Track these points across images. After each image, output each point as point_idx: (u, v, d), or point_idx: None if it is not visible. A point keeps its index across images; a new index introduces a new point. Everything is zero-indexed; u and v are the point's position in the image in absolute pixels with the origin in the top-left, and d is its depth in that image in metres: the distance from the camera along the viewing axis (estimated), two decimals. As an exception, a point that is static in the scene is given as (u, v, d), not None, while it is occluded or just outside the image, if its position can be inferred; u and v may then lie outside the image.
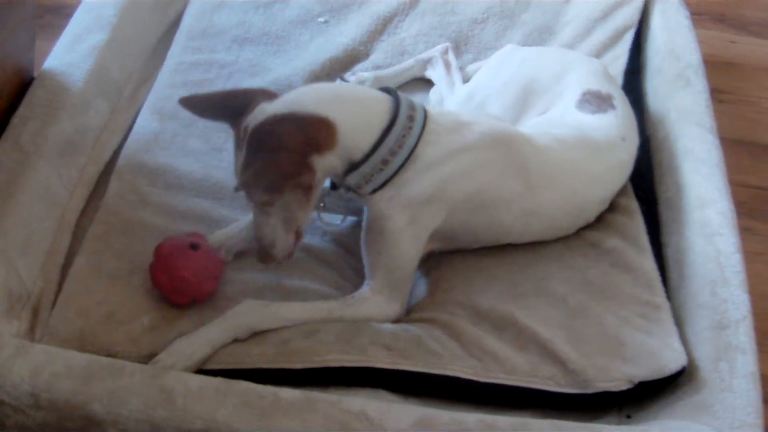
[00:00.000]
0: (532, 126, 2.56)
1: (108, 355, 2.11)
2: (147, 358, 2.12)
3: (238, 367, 2.14)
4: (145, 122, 2.78)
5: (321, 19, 3.24)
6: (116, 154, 2.71)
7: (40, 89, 2.60)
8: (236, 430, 1.94)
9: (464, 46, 3.19)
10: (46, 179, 2.43)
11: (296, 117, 2.13)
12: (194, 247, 2.23)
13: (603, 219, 2.59)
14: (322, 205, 2.40)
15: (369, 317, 2.28)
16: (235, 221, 2.47)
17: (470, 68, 3.08)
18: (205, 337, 2.15)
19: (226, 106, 2.23)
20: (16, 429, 2.00)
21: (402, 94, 2.29)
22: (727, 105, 2.97)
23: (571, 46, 3.15)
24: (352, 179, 2.24)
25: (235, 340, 2.17)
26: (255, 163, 2.10)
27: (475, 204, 2.34)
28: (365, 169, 2.22)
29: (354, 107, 2.24)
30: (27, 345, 2.06)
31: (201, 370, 2.11)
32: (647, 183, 2.75)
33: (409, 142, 2.22)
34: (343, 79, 3.02)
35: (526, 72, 2.76)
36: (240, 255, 2.42)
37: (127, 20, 2.95)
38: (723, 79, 3.15)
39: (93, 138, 2.66)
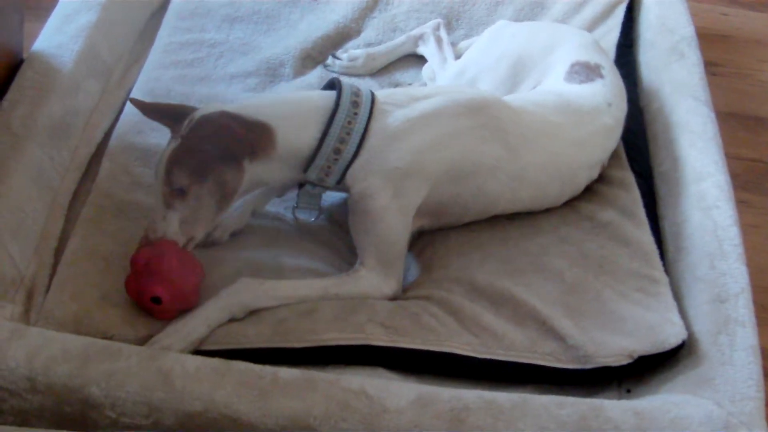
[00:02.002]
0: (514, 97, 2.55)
1: (104, 338, 2.09)
2: (143, 341, 2.10)
3: (234, 347, 2.12)
4: (136, 103, 2.75)
5: None
6: (107, 135, 2.68)
7: (29, 71, 2.58)
8: (236, 410, 1.93)
9: (456, 22, 3.18)
10: (38, 162, 2.41)
11: (241, 117, 2.19)
12: (156, 300, 2.13)
13: (598, 192, 2.58)
14: (294, 205, 2.40)
15: (365, 294, 2.27)
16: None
17: (462, 45, 3.07)
18: (201, 317, 2.13)
19: (172, 113, 2.26)
20: (13, 413, 1.98)
21: (347, 83, 2.30)
22: (720, 78, 2.96)
23: (562, 20, 3.14)
24: (312, 174, 2.26)
25: (232, 320, 2.16)
26: (191, 144, 2.15)
27: (458, 174, 2.33)
28: (319, 161, 2.23)
29: (291, 108, 2.27)
30: (22, 328, 2.04)
31: (198, 351, 2.09)
32: (642, 156, 2.75)
33: (358, 126, 2.23)
34: (335, 57, 3.01)
35: (516, 47, 2.76)
36: (235, 234, 2.43)
37: (116, 1, 2.94)
38: (716, 51, 3.14)
39: (84, 120, 2.65)
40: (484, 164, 2.35)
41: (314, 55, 3.04)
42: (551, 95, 2.55)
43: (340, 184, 2.29)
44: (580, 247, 2.43)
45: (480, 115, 2.34)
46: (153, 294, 2.13)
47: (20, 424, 1.98)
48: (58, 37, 2.73)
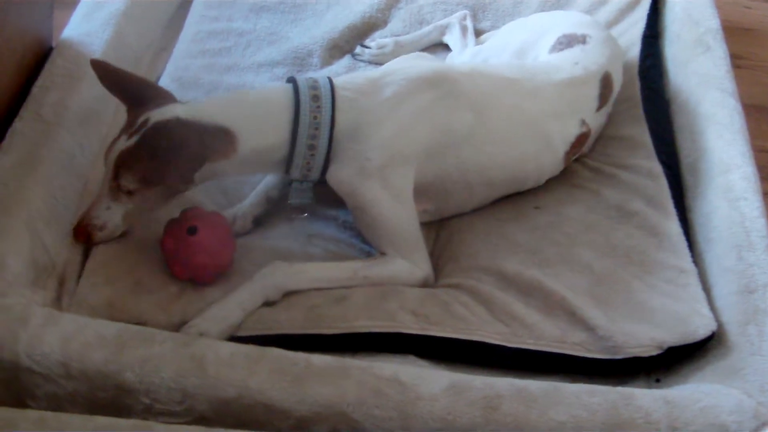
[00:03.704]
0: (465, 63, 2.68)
1: (137, 323, 2.10)
2: (176, 327, 2.12)
3: (266, 332, 2.14)
4: (164, 91, 2.76)
5: None
6: (137, 123, 2.69)
7: (59, 59, 2.59)
8: (269, 396, 1.93)
9: (482, 14, 3.20)
10: (69, 149, 2.42)
11: (199, 125, 2.15)
12: (192, 230, 2.20)
13: (626, 181, 2.59)
14: (289, 201, 2.40)
15: (396, 277, 2.29)
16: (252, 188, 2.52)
17: (484, 36, 3.10)
18: (236, 301, 2.15)
19: (131, 89, 2.23)
20: (47, 399, 1.99)
21: (302, 78, 2.29)
22: (744, 71, 2.97)
23: (588, 12, 3.13)
24: (295, 172, 2.27)
25: (265, 305, 2.18)
26: (144, 153, 2.12)
27: (436, 150, 2.34)
28: (297, 160, 2.24)
29: (252, 110, 2.24)
30: (56, 314, 2.05)
31: (231, 338, 2.11)
32: (669, 147, 2.75)
33: (324, 120, 2.22)
34: (364, 46, 3.03)
35: (521, 34, 2.84)
36: (258, 221, 2.46)
37: (144, -11, 2.95)
38: (739, 44, 3.15)
39: (113, 107, 2.63)
40: (457, 132, 2.36)
41: (341, 45, 3.06)
42: (507, 62, 2.69)
43: (323, 176, 2.30)
44: (608, 236, 2.43)
45: (439, 85, 2.35)
46: (190, 224, 2.19)
47: (54, 410, 1.98)
48: (87, 25, 2.74)
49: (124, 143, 2.14)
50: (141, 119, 2.14)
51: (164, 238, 2.23)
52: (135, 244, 2.29)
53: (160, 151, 2.11)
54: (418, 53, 2.82)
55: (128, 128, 2.16)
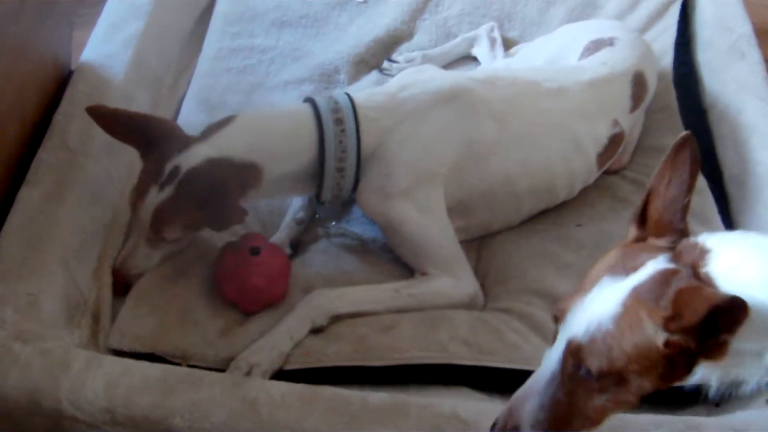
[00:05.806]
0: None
1: (182, 356, 2.08)
2: (224, 362, 2.07)
3: (315, 365, 2.09)
4: (190, 113, 2.73)
5: (359, 0, 3.18)
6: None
7: (80, 84, 2.53)
8: (327, 439, 1.89)
9: (508, 24, 3.15)
10: (96, 179, 2.36)
11: (230, 163, 2.13)
12: (254, 251, 2.17)
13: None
14: (316, 215, 2.47)
15: (441, 293, 2.26)
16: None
17: (514, 50, 3.05)
18: (283, 329, 2.11)
19: (136, 130, 2.17)
20: (91, 446, 1.94)
21: (321, 99, 2.26)
22: (775, 75, 2.90)
23: (616, 19, 3.08)
24: (326, 195, 2.26)
25: (312, 333, 2.13)
26: (184, 203, 2.10)
27: (463, 164, 2.31)
28: (327, 182, 2.22)
29: (277, 142, 2.22)
30: (98, 357, 2.00)
31: (279, 372, 2.06)
32: (710, 158, 2.70)
33: (350, 142, 2.21)
34: (391, 61, 2.99)
35: (551, 45, 2.81)
36: (295, 247, 2.43)
37: (163, 7, 2.89)
38: (764, 47, 3.07)
39: (138, 133, 2.58)
40: (482, 142, 2.32)
41: (367, 59, 3.01)
42: (528, 66, 2.71)
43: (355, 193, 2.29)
44: (659, 254, 2.37)
45: (457, 98, 2.33)
46: (253, 244, 2.17)
47: (98, 457, 1.94)
48: (106, 47, 2.67)
49: (158, 196, 2.10)
50: (168, 167, 2.10)
51: (223, 254, 2.19)
52: (176, 272, 2.24)
53: (200, 197, 2.08)
54: (426, 64, 2.76)
55: (154, 177, 2.11)
